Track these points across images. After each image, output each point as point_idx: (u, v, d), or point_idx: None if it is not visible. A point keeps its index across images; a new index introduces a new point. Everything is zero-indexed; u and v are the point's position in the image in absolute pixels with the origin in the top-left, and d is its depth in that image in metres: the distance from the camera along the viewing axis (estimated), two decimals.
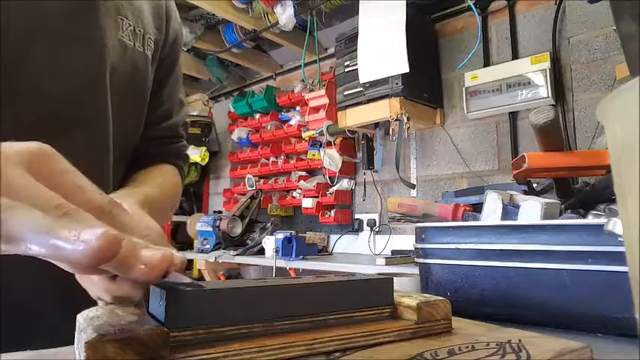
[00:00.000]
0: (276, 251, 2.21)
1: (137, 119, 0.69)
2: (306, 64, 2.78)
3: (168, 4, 0.74)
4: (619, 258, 0.46)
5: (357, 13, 2.23)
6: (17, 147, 0.27)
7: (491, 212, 0.74)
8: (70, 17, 0.55)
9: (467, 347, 0.34)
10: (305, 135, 2.79)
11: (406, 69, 2.02)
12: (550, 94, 1.94)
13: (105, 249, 0.24)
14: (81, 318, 0.31)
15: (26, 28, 0.51)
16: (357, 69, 2.22)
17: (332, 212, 2.69)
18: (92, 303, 0.38)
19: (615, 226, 0.41)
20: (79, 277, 0.39)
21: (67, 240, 0.24)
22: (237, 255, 2.47)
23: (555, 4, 2.03)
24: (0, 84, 0.48)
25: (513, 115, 2.14)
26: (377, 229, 2.57)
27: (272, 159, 3.07)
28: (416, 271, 0.69)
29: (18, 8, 0.50)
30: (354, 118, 2.33)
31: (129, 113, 0.66)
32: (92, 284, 0.38)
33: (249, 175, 3.04)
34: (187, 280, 0.31)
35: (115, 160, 0.63)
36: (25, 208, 0.25)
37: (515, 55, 2.16)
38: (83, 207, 0.27)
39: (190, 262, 2.98)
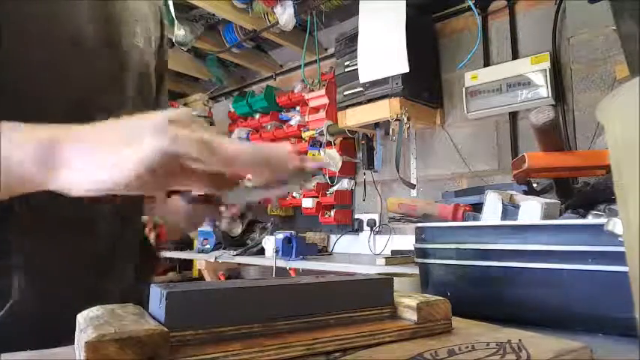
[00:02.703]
0: (276, 251, 2.21)
1: None
2: (306, 64, 2.77)
3: (162, 7, 0.80)
4: (619, 258, 0.46)
5: (357, 13, 2.22)
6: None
7: (491, 212, 0.74)
8: (92, 23, 0.57)
9: (467, 347, 0.34)
10: (305, 135, 2.79)
11: (406, 69, 2.02)
12: (550, 94, 1.94)
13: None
14: (81, 318, 0.31)
15: (51, 34, 0.53)
16: (357, 69, 2.21)
17: (332, 212, 2.69)
18: None
19: (615, 226, 0.41)
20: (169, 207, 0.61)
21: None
22: (237, 255, 2.47)
23: (555, 4, 2.03)
24: None
25: (513, 115, 2.14)
26: (377, 229, 2.57)
27: None
28: (416, 271, 0.69)
29: (50, 17, 0.52)
30: (354, 118, 2.32)
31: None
32: (177, 212, 0.59)
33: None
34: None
35: None
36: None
37: (515, 55, 2.15)
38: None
39: (190, 262, 2.98)
